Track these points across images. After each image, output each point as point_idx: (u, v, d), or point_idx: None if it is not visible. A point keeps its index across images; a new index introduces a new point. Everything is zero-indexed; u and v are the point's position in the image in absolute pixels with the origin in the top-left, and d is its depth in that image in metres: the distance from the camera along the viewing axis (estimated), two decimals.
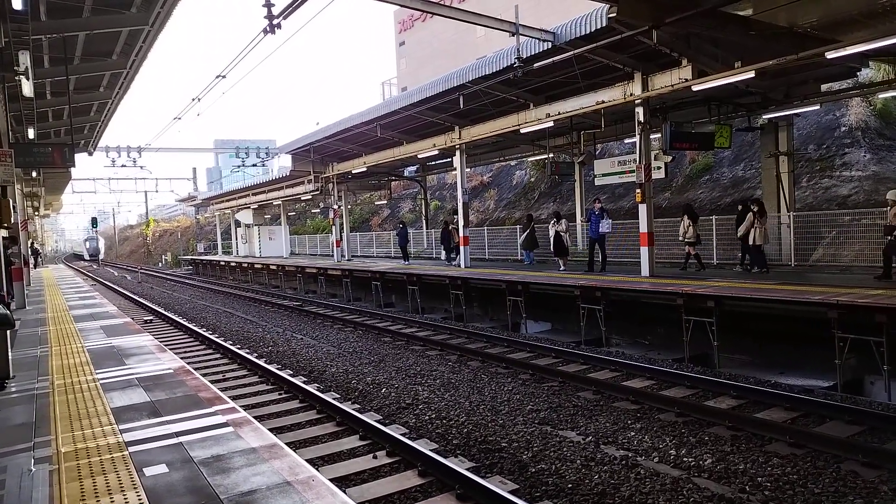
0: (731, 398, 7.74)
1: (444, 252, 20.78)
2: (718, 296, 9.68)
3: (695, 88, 11.37)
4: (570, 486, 5.42)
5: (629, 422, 7.11)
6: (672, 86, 11.64)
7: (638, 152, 12.87)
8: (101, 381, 6.35)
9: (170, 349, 8.99)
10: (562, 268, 15.63)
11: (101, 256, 70.16)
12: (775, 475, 5.49)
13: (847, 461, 5.73)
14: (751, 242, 12.70)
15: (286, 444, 4.64)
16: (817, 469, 5.61)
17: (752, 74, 10.41)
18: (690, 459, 5.91)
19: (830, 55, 9.59)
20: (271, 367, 10.02)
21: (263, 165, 32.61)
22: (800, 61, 10.04)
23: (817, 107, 14.66)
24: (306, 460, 4.32)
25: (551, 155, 18.38)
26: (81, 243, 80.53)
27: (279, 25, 9.04)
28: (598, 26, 10.73)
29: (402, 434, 6.56)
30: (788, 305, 8.97)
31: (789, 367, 9.42)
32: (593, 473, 5.65)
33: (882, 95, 15.80)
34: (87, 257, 70.88)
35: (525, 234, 18.48)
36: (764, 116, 14.48)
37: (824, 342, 8.50)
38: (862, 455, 5.74)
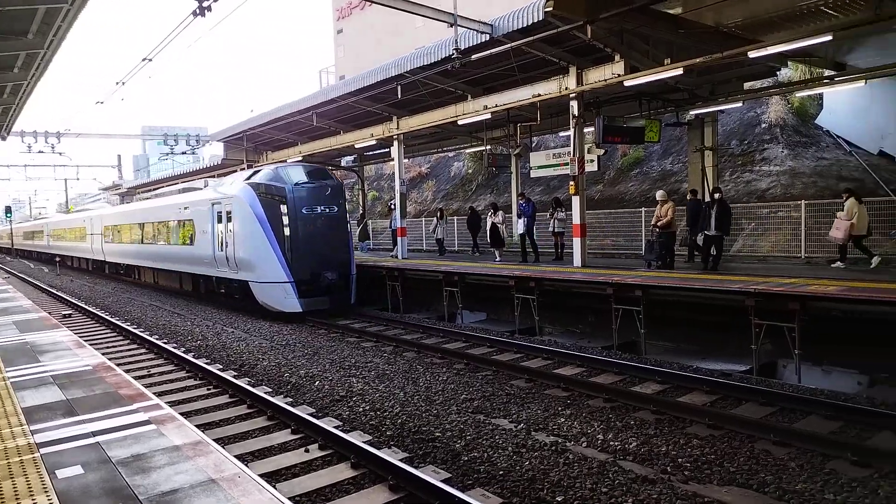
0: (655, 383, 8.05)
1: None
2: (645, 285, 10.04)
3: (626, 83, 11.69)
4: (501, 473, 5.50)
5: (560, 408, 7.28)
6: (605, 80, 11.93)
7: (572, 145, 13.14)
8: (11, 380, 5.99)
9: (89, 345, 8.59)
10: (497, 258, 15.82)
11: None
12: (695, 456, 5.75)
13: (760, 440, 6.07)
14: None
15: (214, 440, 4.51)
16: (733, 449, 5.92)
17: (680, 71, 10.79)
18: (617, 443, 6.12)
19: (752, 54, 10.08)
20: (199, 362, 9.71)
21: (194, 153, 31.23)
22: (724, 59, 10.50)
23: (740, 104, 15.40)
24: (235, 456, 4.21)
25: (488, 147, 18.53)
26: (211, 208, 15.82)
27: (209, 8, 8.72)
28: (535, 20, 10.89)
29: (334, 427, 6.50)
30: (710, 294, 9.41)
31: (710, 352, 9.89)
32: (524, 460, 5.76)
33: (799, 94, 16.72)
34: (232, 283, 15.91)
35: (360, 228, 21.62)
36: (691, 112, 15.07)
37: (742, 328, 8.97)
38: (773, 434, 6.09)
